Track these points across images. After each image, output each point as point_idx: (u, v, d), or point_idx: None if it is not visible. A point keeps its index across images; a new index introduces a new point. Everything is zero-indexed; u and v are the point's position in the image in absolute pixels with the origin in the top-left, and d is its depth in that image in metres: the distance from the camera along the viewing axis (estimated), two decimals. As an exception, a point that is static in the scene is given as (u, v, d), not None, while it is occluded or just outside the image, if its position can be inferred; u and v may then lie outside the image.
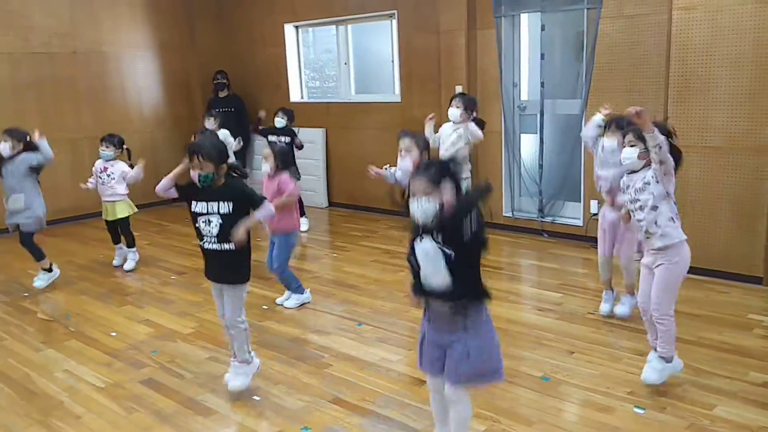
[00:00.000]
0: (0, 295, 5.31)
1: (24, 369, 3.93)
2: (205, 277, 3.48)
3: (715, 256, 4.99)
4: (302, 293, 4.84)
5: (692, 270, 5.02)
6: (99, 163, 5.79)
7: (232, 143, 7.04)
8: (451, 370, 2.59)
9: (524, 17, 6.38)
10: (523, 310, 4.64)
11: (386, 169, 3.92)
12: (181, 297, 5.15)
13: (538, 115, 6.27)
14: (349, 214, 7.88)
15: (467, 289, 2.52)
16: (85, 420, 3.32)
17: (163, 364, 3.93)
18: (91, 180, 5.76)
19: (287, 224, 4.63)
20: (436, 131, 5.47)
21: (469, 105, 5.10)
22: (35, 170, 5.26)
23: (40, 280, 5.39)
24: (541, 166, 6.33)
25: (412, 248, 2.56)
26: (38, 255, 5.39)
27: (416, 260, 2.54)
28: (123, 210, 5.79)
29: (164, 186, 3.35)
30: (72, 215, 7.67)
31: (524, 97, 6.54)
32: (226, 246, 3.24)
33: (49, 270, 5.46)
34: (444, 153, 5.06)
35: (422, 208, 2.44)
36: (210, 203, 3.22)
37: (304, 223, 6.88)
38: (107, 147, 5.74)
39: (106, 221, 5.87)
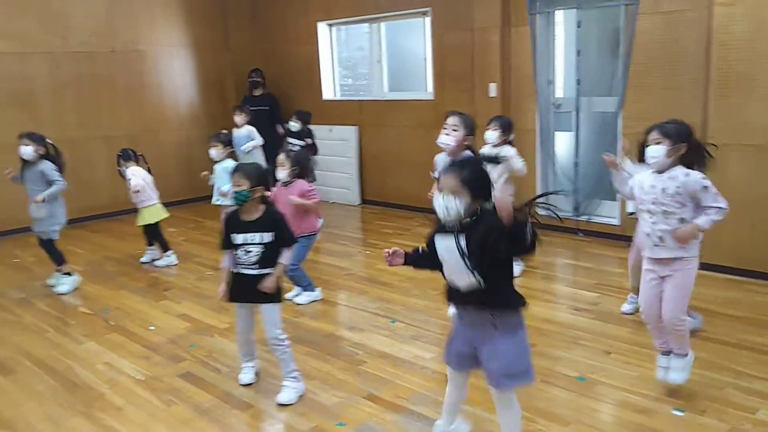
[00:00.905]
0: (43, 289, 5.44)
1: (67, 361, 4.03)
2: (231, 300, 3.48)
3: (755, 257, 4.89)
4: (313, 290, 4.87)
5: (732, 271, 4.99)
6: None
7: (259, 141, 7.08)
8: (492, 375, 2.56)
9: (559, 14, 6.33)
10: (559, 310, 4.61)
11: None
12: (217, 292, 5.20)
13: (574, 113, 6.20)
14: (381, 212, 7.89)
15: (496, 295, 2.47)
16: (126, 412, 3.39)
17: (200, 359, 3.99)
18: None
19: (308, 226, 4.68)
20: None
21: (506, 127, 5.04)
22: (50, 184, 5.12)
23: (65, 285, 5.32)
24: (576, 164, 6.26)
25: (432, 240, 2.55)
26: (59, 260, 5.35)
27: (437, 254, 2.53)
28: (151, 216, 5.91)
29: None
30: (109, 211, 7.83)
31: (559, 94, 6.48)
32: (266, 270, 3.33)
33: (69, 274, 5.40)
34: None
35: (446, 205, 2.40)
36: (250, 234, 3.31)
37: None
38: (125, 163, 5.89)
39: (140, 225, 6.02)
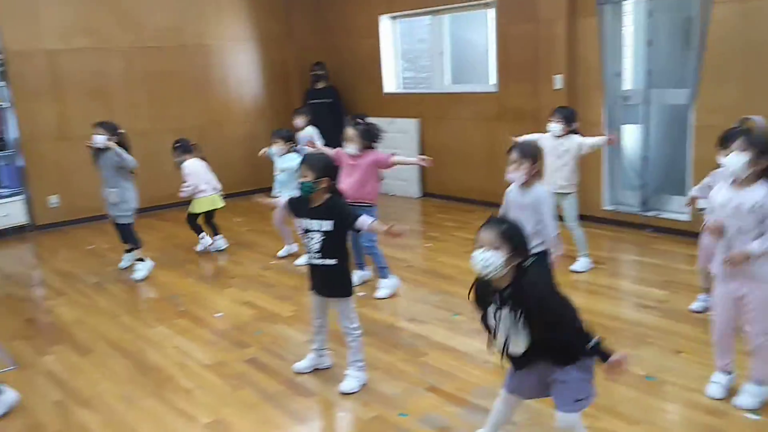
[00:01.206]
0: (116, 275, 5.67)
1: (139, 344, 4.20)
2: (311, 290, 3.56)
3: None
4: (387, 276, 4.86)
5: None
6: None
7: (318, 142, 7.07)
8: (562, 400, 2.52)
9: (629, 4, 6.15)
10: (625, 307, 4.51)
11: None
12: (281, 281, 5.33)
13: (643, 105, 6.03)
14: (442, 205, 7.88)
15: (563, 349, 2.44)
16: (195, 394, 3.50)
17: (265, 345, 4.09)
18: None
19: (370, 194, 4.71)
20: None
21: (570, 117, 4.98)
22: (123, 169, 5.35)
23: (141, 272, 5.48)
24: (645, 158, 6.09)
25: (484, 311, 2.53)
26: (136, 244, 5.57)
27: (488, 325, 2.52)
28: (202, 205, 6.07)
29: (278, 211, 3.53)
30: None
31: (627, 86, 6.31)
32: (328, 261, 3.38)
33: (142, 260, 5.57)
34: (551, 167, 4.91)
35: (485, 259, 2.38)
36: (313, 221, 3.37)
37: None
38: (179, 156, 6.05)
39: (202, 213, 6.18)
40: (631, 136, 6.36)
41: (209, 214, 6.20)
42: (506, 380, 2.72)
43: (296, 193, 3.54)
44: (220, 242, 6.28)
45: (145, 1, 7.90)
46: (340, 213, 3.38)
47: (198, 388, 3.57)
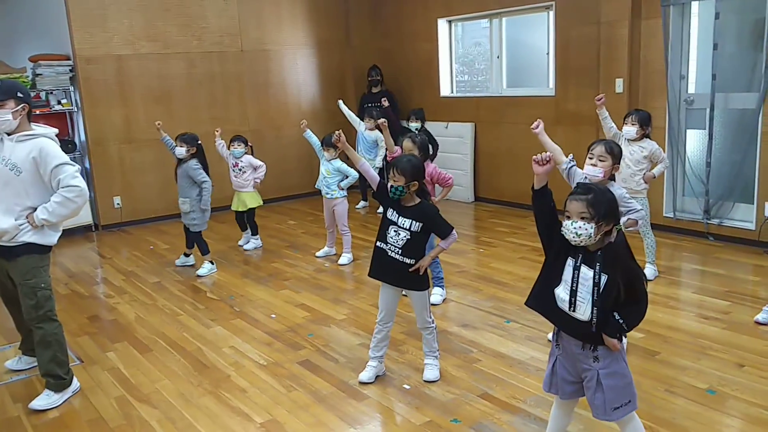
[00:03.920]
0: (175, 275, 5.83)
1: (196, 343, 4.30)
2: (373, 276, 3.56)
3: None
4: (443, 287, 4.88)
5: None
6: (231, 159, 6.35)
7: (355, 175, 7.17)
8: (597, 407, 2.48)
9: (695, 5, 5.96)
10: (685, 317, 4.36)
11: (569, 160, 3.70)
12: (335, 284, 5.38)
13: (708, 110, 5.84)
14: (495, 210, 7.80)
15: (604, 326, 2.40)
16: (250, 394, 3.56)
17: (318, 347, 4.13)
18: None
19: None
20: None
21: (645, 121, 4.84)
22: (195, 182, 5.62)
23: (204, 269, 5.76)
24: (708, 164, 5.90)
25: (563, 262, 2.48)
26: (205, 250, 5.82)
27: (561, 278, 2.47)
28: (252, 201, 6.40)
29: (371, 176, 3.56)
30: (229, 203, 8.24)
31: (691, 90, 6.12)
32: (407, 260, 3.41)
33: (212, 262, 5.86)
34: (626, 170, 4.79)
35: (575, 230, 2.37)
36: (404, 218, 3.40)
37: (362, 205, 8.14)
38: (238, 145, 6.29)
39: (236, 211, 6.49)
40: (695, 141, 6.17)
41: (252, 211, 6.52)
42: (546, 380, 2.68)
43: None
44: (259, 241, 6.67)
45: (208, 8, 8.11)
46: (434, 220, 3.43)
47: (253, 388, 3.63)
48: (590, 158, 3.54)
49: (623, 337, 2.54)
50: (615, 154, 3.49)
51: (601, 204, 2.37)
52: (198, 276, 5.71)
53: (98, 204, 7.63)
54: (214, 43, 8.21)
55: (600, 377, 2.44)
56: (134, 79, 7.71)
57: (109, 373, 3.91)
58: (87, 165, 7.60)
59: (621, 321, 2.38)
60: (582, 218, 2.37)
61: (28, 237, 3.38)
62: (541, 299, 2.56)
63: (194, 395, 3.58)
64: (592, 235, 2.36)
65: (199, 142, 5.66)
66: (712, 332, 4.06)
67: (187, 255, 6.04)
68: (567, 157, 3.63)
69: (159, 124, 5.97)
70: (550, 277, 2.53)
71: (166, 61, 7.90)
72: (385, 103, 7.59)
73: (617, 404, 2.45)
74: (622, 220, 3.50)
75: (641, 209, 3.71)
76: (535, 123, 3.62)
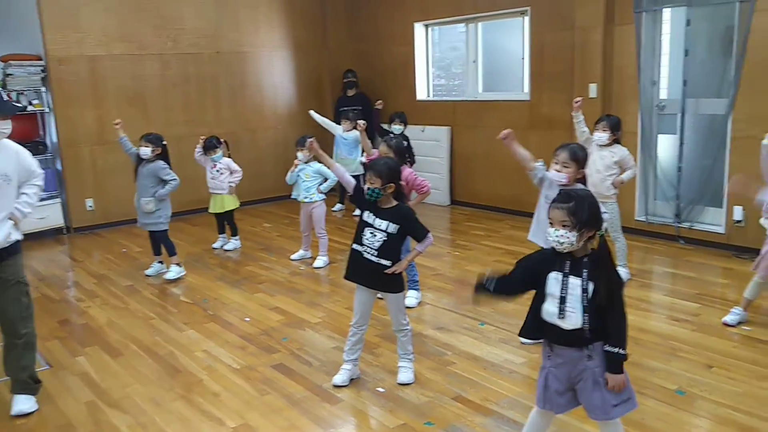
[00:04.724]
0: (148, 278, 5.76)
1: (169, 347, 4.25)
2: (349, 278, 3.55)
3: None
4: (418, 289, 4.89)
5: None
6: (209, 162, 6.32)
7: (334, 180, 7.20)
8: (596, 408, 2.48)
9: (667, 12, 6.06)
10: (656, 319, 4.42)
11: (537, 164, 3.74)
12: (310, 287, 5.36)
13: (679, 115, 5.93)
14: (471, 213, 7.84)
15: (596, 334, 2.41)
16: (223, 398, 3.53)
17: (292, 351, 4.11)
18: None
19: None
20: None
21: (616, 126, 4.91)
22: (163, 182, 5.52)
23: (173, 272, 5.64)
24: (679, 169, 5.99)
25: (529, 271, 2.51)
26: (173, 250, 5.68)
27: (546, 292, 2.47)
28: (230, 203, 6.39)
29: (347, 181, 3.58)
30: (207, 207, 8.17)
31: (663, 95, 6.21)
32: (384, 261, 3.41)
33: (179, 265, 5.72)
34: (596, 175, 4.85)
35: (557, 239, 2.40)
36: (380, 219, 3.40)
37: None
38: (213, 152, 6.27)
39: (215, 214, 6.48)
40: (666, 146, 6.26)
41: (230, 212, 6.52)
42: (539, 396, 2.63)
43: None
44: (239, 242, 6.67)
45: (184, 9, 8.05)
46: (410, 222, 3.44)
47: (225, 392, 3.60)
48: (555, 163, 3.60)
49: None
50: (579, 160, 3.55)
51: (582, 211, 2.40)
52: (167, 281, 5.61)
53: (70, 206, 7.52)
54: (190, 45, 8.15)
55: (597, 375, 2.44)
56: (107, 80, 7.62)
57: (78, 378, 3.85)
58: (59, 167, 7.49)
59: (616, 351, 2.38)
60: (564, 226, 2.39)
61: (18, 235, 3.44)
62: (535, 327, 2.56)
63: (165, 400, 3.54)
64: (574, 242, 2.39)
65: (164, 142, 5.56)
66: (682, 334, 4.12)
67: (160, 262, 5.85)
68: (537, 162, 3.67)
69: (119, 123, 5.68)
70: (540, 304, 2.52)
71: (141, 62, 7.82)
72: (379, 106, 7.61)
73: (616, 401, 2.45)
74: None
75: (606, 212, 3.74)
76: (504, 132, 3.63)
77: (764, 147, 3.85)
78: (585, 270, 2.41)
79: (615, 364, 2.40)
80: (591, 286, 2.39)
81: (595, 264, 2.41)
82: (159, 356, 4.11)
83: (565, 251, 2.43)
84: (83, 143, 7.53)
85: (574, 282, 2.41)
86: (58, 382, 3.80)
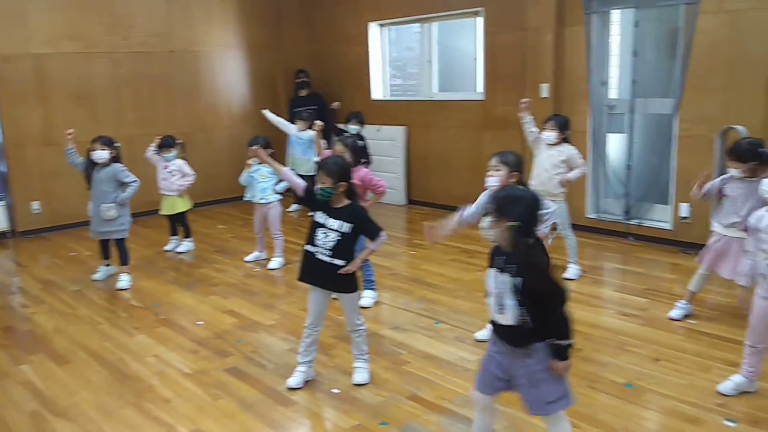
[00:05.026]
0: (97, 282, 5.61)
1: (118, 353, 4.15)
2: (303, 280, 3.53)
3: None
4: (374, 289, 4.88)
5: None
6: (161, 162, 6.21)
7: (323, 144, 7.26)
8: (532, 404, 2.54)
9: (616, 13, 6.19)
10: (606, 315, 4.51)
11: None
12: (265, 289, 5.30)
13: (628, 115, 6.07)
14: (428, 212, 7.87)
15: (538, 331, 2.45)
16: (174, 404, 3.47)
17: (246, 354, 4.06)
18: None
19: None
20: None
21: (563, 125, 5.01)
22: (123, 185, 5.32)
23: (125, 281, 5.41)
24: (628, 167, 6.13)
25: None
26: (126, 259, 5.48)
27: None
28: (182, 204, 6.30)
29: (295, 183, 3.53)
30: (158, 208, 8.03)
31: (613, 95, 6.34)
32: (337, 261, 3.38)
33: (129, 273, 5.51)
34: (544, 174, 4.94)
35: (485, 233, 2.51)
36: (333, 219, 3.38)
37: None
38: (168, 151, 6.18)
39: (167, 216, 6.38)
40: (615, 144, 6.39)
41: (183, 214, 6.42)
42: (477, 377, 2.71)
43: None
44: (192, 244, 6.57)
45: (134, 7, 7.88)
46: (363, 221, 3.43)
47: (177, 398, 3.53)
48: (488, 169, 3.68)
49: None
50: (509, 163, 3.62)
51: (503, 204, 2.45)
52: (119, 290, 5.38)
53: (15, 209, 7.28)
54: (141, 43, 7.98)
55: (534, 374, 2.48)
56: (55, 79, 7.41)
57: (22, 387, 3.72)
58: (3, 168, 7.25)
59: (558, 342, 2.43)
60: (494, 223, 2.46)
61: None
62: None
63: (114, 407, 3.45)
64: (497, 236, 2.46)
65: (117, 144, 5.40)
66: (631, 328, 4.21)
67: (108, 265, 5.68)
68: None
69: (71, 133, 5.34)
70: None
71: (90, 60, 7.63)
72: (336, 106, 7.63)
73: (550, 399, 2.49)
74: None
75: (550, 210, 3.72)
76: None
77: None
78: (514, 265, 2.43)
79: (560, 352, 2.45)
80: (519, 281, 2.41)
81: (523, 259, 2.42)
82: (108, 362, 4.01)
83: (495, 244, 2.52)
84: (29, 144, 7.30)
85: (504, 278, 2.45)
86: (0, 391, 3.67)
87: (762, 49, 5.05)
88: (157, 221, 7.30)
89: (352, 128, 7.15)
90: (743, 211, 3.88)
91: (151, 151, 6.17)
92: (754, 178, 3.85)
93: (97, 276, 5.66)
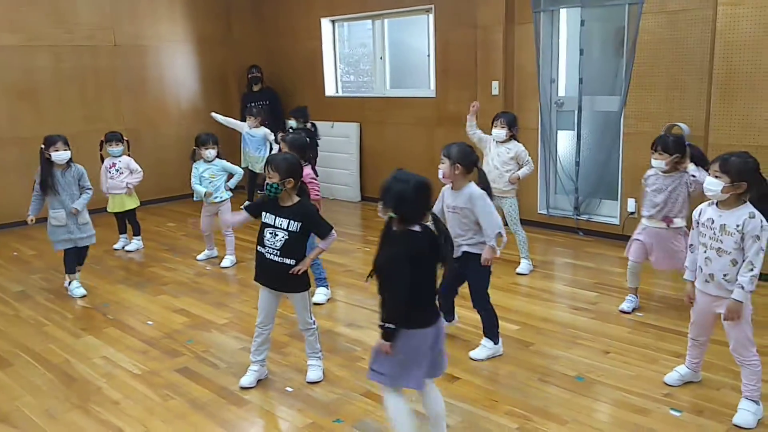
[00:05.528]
0: (41, 282, 5.44)
1: (64, 355, 4.03)
2: (257, 281, 3.50)
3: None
4: (327, 286, 4.86)
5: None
6: (107, 161, 6.07)
7: (272, 140, 7.23)
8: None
9: (563, 12, 6.30)
10: (558, 309, 4.59)
11: None
12: (216, 288, 5.22)
13: (576, 112, 6.18)
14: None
15: (383, 308, 2.70)
16: (123, 406, 3.38)
17: (197, 353, 3.99)
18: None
19: None
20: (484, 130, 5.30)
21: (512, 123, 5.09)
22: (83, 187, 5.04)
23: (81, 289, 5.09)
24: (577, 164, 6.25)
25: None
26: (74, 267, 5.13)
27: None
28: (130, 202, 6.17)
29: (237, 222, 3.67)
30: (105, 206, 7.81)
31: (561, 93, 6.45)
32: (287, 261, 3.34)
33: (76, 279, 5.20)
34: (494, 171, 5.00)
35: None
36: (280, 218, 3.33)
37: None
38: (116, 144, 6.02)
39: (114, 214, 6.24)
40: (565, 141, 6.51)
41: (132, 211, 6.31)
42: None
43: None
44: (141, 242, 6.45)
45: (78, 0, 7.63)
46: (313, 219, 3.39)
47: (126, 399, 3.44)
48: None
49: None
50: (451, 156, 3.64)
51: (382, 192, 2.70)
52: (76, 297, 5.07)
53: (-47, 208, 7.00)
54: (86, 37, 7.75)
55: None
56: (-6, 73, 7.14)
57: (-38, 393, 3.58)
58: (-61, 166, 6.96)
59: (382, 324, 2.68)
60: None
61: None
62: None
63: (60, 411, 3.35)
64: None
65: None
66: (581, 322, 4.30)
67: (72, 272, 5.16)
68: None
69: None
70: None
71: (32, 54, 7.37)
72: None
73: (373, 366, 2.78)
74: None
75: (493, 230, 3.64)
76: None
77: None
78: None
79: (382, 333, 2.69)
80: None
81: (379, 244, 2.72)
82: (53, 365, 3.89)
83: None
84: (-33, 140, 7.02)
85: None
86: (-61, 398, 3.52)
87: (701, 48, 5.21)
88: (104, 219, 7.10)
89: (291, 123, 7.09)
90: (658, 199, 4.15)
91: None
92: (673, 173, 4.10)
93: (76, 293, 5.09)
